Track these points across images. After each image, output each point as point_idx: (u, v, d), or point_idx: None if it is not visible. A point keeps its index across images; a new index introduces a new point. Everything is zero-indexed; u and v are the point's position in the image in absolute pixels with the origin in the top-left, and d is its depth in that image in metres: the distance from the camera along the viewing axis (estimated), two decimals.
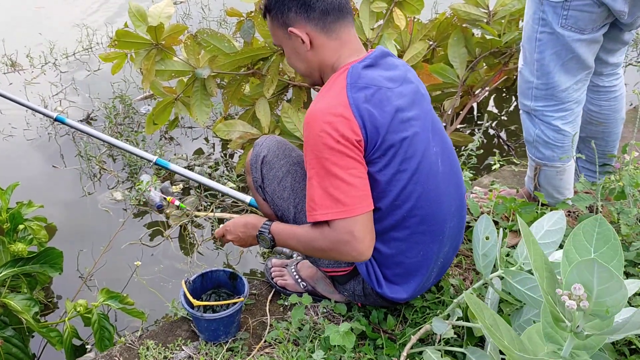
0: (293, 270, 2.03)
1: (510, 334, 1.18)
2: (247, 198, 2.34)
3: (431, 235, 1.64)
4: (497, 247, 1.61)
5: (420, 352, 1.75)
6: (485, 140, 3.59)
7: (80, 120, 3.71)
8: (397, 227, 1.60)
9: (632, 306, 1.82)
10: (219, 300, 1.90)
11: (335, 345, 1.74)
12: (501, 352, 1.69)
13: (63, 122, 2.69)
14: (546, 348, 1.17)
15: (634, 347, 1.80)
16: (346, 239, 1.47)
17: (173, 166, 2.43)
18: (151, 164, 2.47)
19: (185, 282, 1.83)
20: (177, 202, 2.32)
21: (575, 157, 2.05)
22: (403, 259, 1.65)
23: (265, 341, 1.86)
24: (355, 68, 1.54)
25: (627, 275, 1.91)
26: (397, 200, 1.56)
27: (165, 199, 3.01)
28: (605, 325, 1.05)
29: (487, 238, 1.61)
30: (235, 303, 1.80)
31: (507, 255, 1.72)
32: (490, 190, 2.35)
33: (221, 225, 1.92)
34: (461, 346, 1.73)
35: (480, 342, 1.78)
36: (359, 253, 1.50)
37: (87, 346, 2.25)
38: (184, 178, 3.24)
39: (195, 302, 1.76)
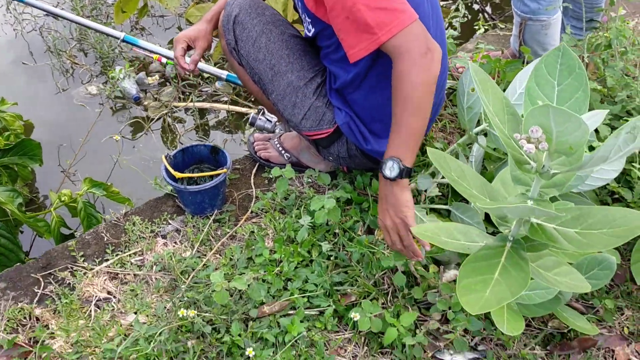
0: (276, 142, 2.00)
1: (479, 182, 1.16)
2: (224, 73, 2.26)
3: None
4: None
5: None
6: (470, 16, 3.47)
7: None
8: (389, 74, 1.55)
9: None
10: None
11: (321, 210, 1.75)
12: None
13: (22, 2, 2.50)
14: (516, 191, 1.16)
15: (616, 196, 1.82)
16: (422, 42, 1.32)
17: (142, 42, 2.32)
18: (119, 41, 2.34)
19: (166, 157, 1.79)
20: (163, 60, 2.21)
21: (561, 7, 1.98)
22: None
23: (251, 212, 1.86)
24: None
25: (611, 127, 1.89)
26: None
27: (141, 90, 2.92)
28: (573, 162, 1.03)
29: (472, 90, 1.58)
30: (218, 175, 1.77)
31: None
32: (476, 54, 2.29)
33: None
34: (446, 204, 1.74)
35: (466, 199, 1.79)
36: (437, 50, 1.35)
37: (75, 234, 2.26)
38: (160, 69, 3.14)
39: (178, 174, 1.73)
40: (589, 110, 1.03)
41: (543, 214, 1.04)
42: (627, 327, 1.58)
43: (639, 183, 1.79)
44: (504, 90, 1.69)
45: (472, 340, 1.54)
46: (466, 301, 1.00)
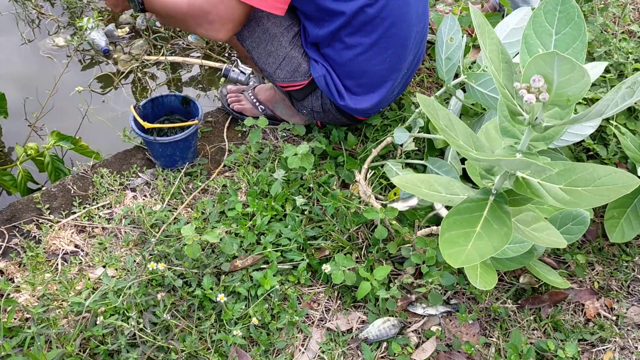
0: (250, 94, 1.94)
1: (467, 132, 1.13)
2: None
3: (399, 39, 1.55)
4: (461, 50, 1.53)
5: (382, 167, 1.73)
6: None
7: None
8: (365, 30, 1.50)
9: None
10: None
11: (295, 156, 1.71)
12: (462, 162, 1.69)
13: None
14: (503, 143, 1.14)
15: (591, 153, 1.82)
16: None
17: None
18: None
19: (135, 107, 1.73)
20: None
21: None
22: (368, 67, 1.57)
23: (224, 165, 1.82)
24: None
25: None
26: (369, 3, 1.45)
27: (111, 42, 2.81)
28: (565, 115, 1.00)
29: (451, 39, 1.54)
30: (189, 126, 1.72)
31: (470, 67, 1.66)
32: (455, 6, 2.24)
33: None
34: (422, 159, 1.72)
35: (441, 155, 1.77)
36: (222, 20, 1.50)
37: (43, 188, 2.19)
38: (130, 21, 3.02)
39: (147, 125, 1.68)
40: None
41: (536, 168, 1.01)
42: (597, 282, 1.60)
43: (614, 140, 1.79)
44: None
45: (444, 294, 1.54)
46: (448, 255, 0.98)
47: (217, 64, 2.80)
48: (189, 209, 1.69)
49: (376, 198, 1.64)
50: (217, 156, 1.85)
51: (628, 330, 1.51)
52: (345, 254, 1.55)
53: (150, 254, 1.55)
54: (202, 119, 1.77)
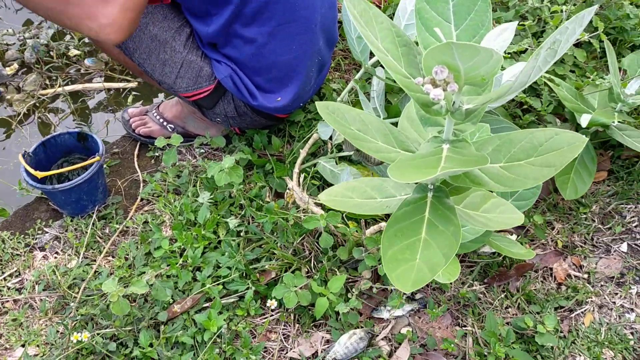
0: (155, 114, 1.74)
1: (385, 130, 0.98)
2: None
3: (302, 24, 1.39)
4: None
5: (314, 166, 1.58)
6: None
7: None
8: (259, 18, 1.33)
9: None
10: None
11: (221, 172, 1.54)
12: None
13: None
14: (428, 135, 1.00)
15: (525, 107, 1.73)
16: None
17: None
18: None
19: (24, 156, 1.50)
20: None
21: None
22: (275, 58, 1.41)
23: (141, 199, 1.62)
24: None
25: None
26: None
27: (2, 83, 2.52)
28: (484, 91, 0.87)
29: None
30: (92, 164, 1.51)
31: None
32: None
33: None
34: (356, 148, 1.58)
35: None
36: (107, 17, 1.13)
37: None
38: (18, 56, 2.73)
39: (39, 174, 1.45)
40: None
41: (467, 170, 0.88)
42: (560, 241, 1.52)
43: (545, 90, 1.71)
44: (394, 13, 1.52)
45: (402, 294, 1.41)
46: (396, 277, 0.83)
47: (121, 84, 2.57)
48: (110, 258, 1.49)
49: (315, 203, 1.49)
50: (132, 190, 1.65)
51: (602, 286, 1.43)
52: (293, 272, 1.39)
53: (74, 320, 1.34)
54: (106, 152, 1.56)
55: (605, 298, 1.41)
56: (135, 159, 1.73)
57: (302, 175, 1.51)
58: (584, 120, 1.47)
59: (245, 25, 1.35)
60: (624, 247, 1.50)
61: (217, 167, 1.43)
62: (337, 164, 1.55)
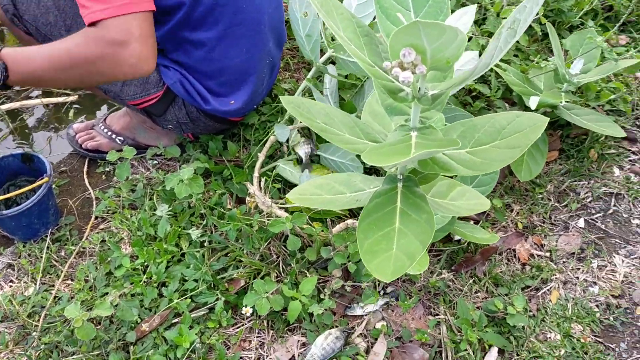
0: (102, 127, 1.68)
1: (349, 122, 0.98)
2: None
3: (250, 26, 1.37)
4: (319, 22, 1.38)
5: (274, 169, 1.56)
6: None
7: None
8: (207, 22, 1.30)
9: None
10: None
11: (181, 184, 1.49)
12: None
13: None
14: (392, 123, 1.00)
15: (474, 94, 1.76)
16: (124, 37, 1.13)
17: None
18: None
19: None
20: None
21: None
22: (226, 62, 1.38)
23: (96, 217, 1.56)
24: None
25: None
26: None
27: None
28: (448, 75, 0.88)
29: (305, 15, 1.38)
30: (40, 186, 1.44)
31: (334, 39, 1.51)
32: None
33: None
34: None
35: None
36: (141, 58, 1.16)
37: None
38: None
39: None
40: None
41: (438, 152, 0.88)
42: (520, 222, 1.55)
43: (492, 75, 1.74)
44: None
45: (378, 285, 1.42)
46: (375, 268, 0.82)
47: (61, 99, 2.47)
48: (69, 282, 1.42)
49: (279, 206, 1.47)
50: (85, 209, 1.59)
51: (564, 262, 1.47)
52: (262, 278, 1.37)
53: (37, 350, 1.28)
54: (53, 171, 1.49)
55: (568, 274, 1.45)
56: (85, 176, 1.66)
57: (264, 179, 1.49)
58: (533, 102, 1.50)
59: (193, 30, 1.31)
60: (581, 223, 1.55)
61: (176, 178, 1.39)
62: (295, 165, 1.53)
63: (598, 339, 1.33)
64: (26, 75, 1.20)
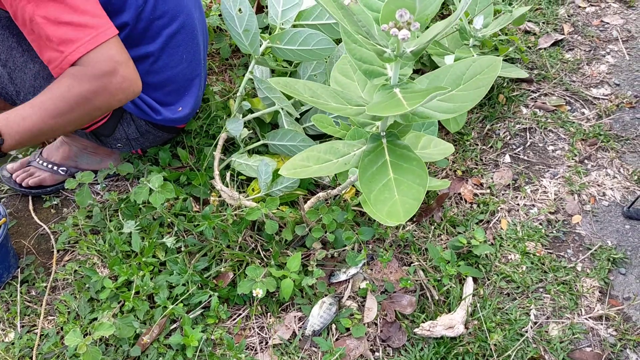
0: (40, 161, 1.62)
1: (330, 92, 1.07)
2: None
3: (186, 31, 1.41)
4: (254, 17, 1.46)
5: (228, 166, 1.61)
6: None
7: None
8: (148, 36, 1.33)
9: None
10: None
11: (144, 206, 1.50)
12: (299, 119, 1.65)
13: None
14: (370, 84, 1.10)
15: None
16: (110, 67, 1.14)
17: None
18: None
19: None
20: None
21: None
22: (170, 72, 1.41)
23: (58, 251, 1.52)
24: None
25: None
26: (140, 4, 1.27)
27: None
28: (423, 32, 1.00)
29: (240, 11, 1.45)
30: None
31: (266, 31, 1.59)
32: None
33: None
34: (259, 140, 1.64)
35: (275, 126, 1.71)
36: (130, 80, 1.19)
37: None
38: None
39: None
40: None
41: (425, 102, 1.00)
42: (458, 169, 1.72)
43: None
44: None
45: (353, 248, 1.52)
46: (387, 214, 0.92)
47: None
48: (50, 317, 1.38)
49: (246, 198, 1.52)
50: (42, 246, 1.54)
51: (503, 194, 1.66)
52: (247, 266, 1.42)
53: None
54: (6, 213, 1.43)
55: (510, 203, 1.64)
56: (33, 213, 1.60)
57: (228, 174, 1.54)
58: (449, 60, 1.68)
59: (137, 46, 1.33)
60: (507, 158, 1.75)
61: (145, 190, 1.40)
62: (249, 157, 1.59)
63: (549, 251, 1.53)
64: (23, 134, 1.17)
